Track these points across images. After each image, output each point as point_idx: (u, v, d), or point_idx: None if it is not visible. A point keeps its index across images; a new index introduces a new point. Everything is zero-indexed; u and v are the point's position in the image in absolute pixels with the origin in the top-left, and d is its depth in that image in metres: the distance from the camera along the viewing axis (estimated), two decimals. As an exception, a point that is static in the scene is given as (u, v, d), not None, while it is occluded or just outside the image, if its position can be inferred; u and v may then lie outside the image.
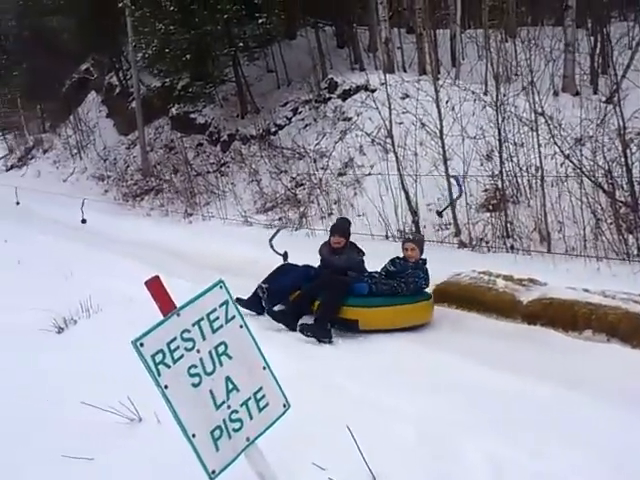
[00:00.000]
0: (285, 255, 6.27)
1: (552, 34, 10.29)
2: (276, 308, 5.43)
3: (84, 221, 13.56)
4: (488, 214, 7.37)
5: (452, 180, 7.20)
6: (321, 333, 4.85)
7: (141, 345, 2.08)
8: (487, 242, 6.98)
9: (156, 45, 14.14)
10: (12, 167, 30.34)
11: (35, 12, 26.14)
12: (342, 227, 6.02)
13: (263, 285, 5.49)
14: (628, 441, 3.01)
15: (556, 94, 9.62)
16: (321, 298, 5.10)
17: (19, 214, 15.80)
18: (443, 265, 6.11)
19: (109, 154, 20.15)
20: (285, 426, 2.50)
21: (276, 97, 14.14)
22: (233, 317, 2.39)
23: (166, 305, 2.21)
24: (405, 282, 5.23)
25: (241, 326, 2.41)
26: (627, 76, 7.86)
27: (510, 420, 3.24)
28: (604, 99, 7.52)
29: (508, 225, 6.90)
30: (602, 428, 3.13)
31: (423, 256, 5.47)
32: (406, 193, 7.89)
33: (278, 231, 7.11)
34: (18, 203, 19.02)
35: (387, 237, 8.09)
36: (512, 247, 6.67)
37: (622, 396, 3.55)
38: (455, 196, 7.28)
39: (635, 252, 5.66)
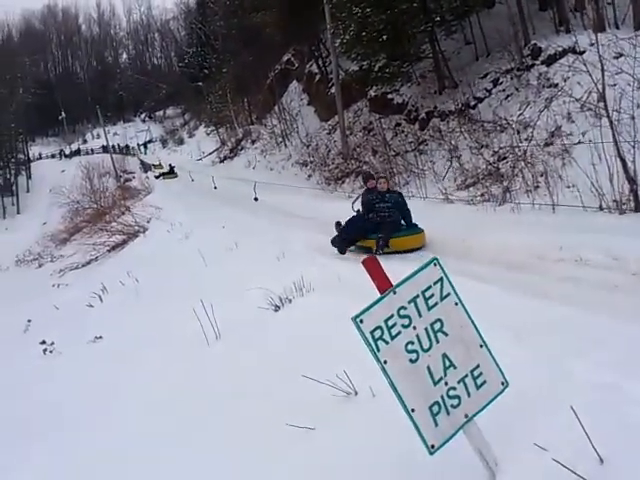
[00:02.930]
0: (358, 212, 8.75)
1: None
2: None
3: (256, 199, 16.91)
4: None
5: None
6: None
7: (361, 322, 2.21)
8: None
9: (353, 29, 14.74)
10: (225, 158, 33.57)
11: (241, 10, 28.44)
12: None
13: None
14: None
15: None
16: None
17: (236, 202, 17.52)
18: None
19: (311, 140, 21.39)
20: (503, 404, 2.51)
21: (475, 69, 13.98)
22: (448, 294, 2.43)
23: (383, 283, 2.31)
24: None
25: (456, 303, 2.44)
26: None
27: None
28: None
29: None
30: None
31: None
32: (622, 161, 7.45)
33: (358, 197, 9.21)
34: (215, 187, 22.46)
35: (601, 208, 7.69)
36: None
37: None
38: None
39: None
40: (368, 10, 13.85)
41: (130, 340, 6.67)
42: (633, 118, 7.82)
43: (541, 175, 9.50)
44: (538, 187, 9.37)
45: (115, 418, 4.58)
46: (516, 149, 10.49)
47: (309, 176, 19.38)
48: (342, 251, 8.29)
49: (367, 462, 2.88)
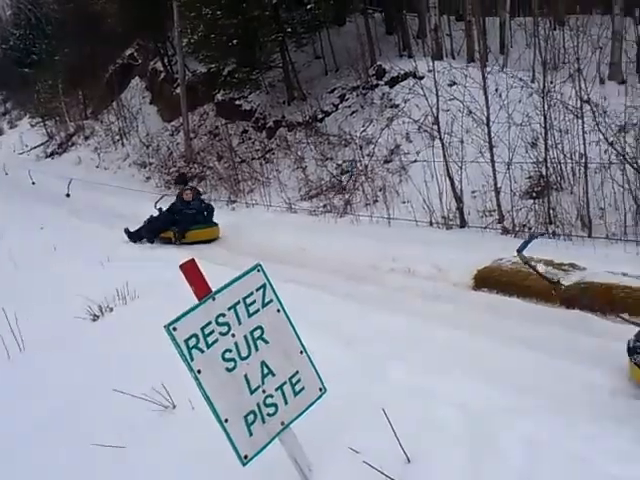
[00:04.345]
0: (160, 210, 10.39)
1: (600, 22, 10.71)
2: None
3: (68, 195, 17.39)
4: (531, 201, 7.78)
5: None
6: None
7: (174, 329, 2.19)
8: (530, 228, 7.38)
9: (202, 30, 14.78)
10: (53, 154, 31.69)
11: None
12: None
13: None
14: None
15: (602, 82, 10.11)
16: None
17: (57, 202, 16.72)
18: (487, 251, 6.58)
19: (152, 141, 20.91)
20: (322, 409, 2.64)
21: (323, 83, 14.67)
22: (270, 301, 2.48)
23: (201, 289, 2.32)
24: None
25: (278, 310, 2.50)
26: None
27: (549, 402, 3.41)
28: (650, 87, 7.85)
29: (551, 211, 7.32)
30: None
31: None
32: (451, 180, 8.32)
33: (161, 197, 11.59)
34: (34, 183, 21.60)
35: (431, 224, 8.54)
36: (554, 233, 7.08)
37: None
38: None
39: (675, 238, 6.04)
40: (218, 13, 13.96)
41: None
42: (462, 142, 8.81)
43: (380, 190, 10.27)
44: (377, 201, 10.14)
45: None
46: (358, 163, 11.26)
47: (148, 178, 18.96)
48: (148, 239, 10.08)
49: (183, 476, 2.91)
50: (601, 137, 7.18)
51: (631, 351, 3.76)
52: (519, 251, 5.25)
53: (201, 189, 15.39)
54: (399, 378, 3.65)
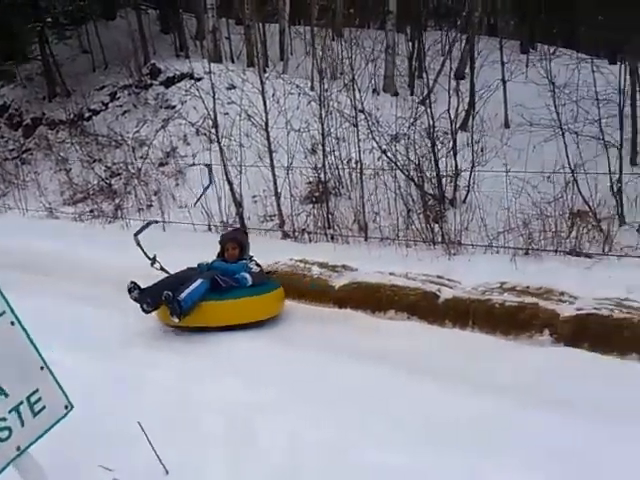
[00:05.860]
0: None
1: (375, 36, 11.13)
2: None
3: None
4: (311, 205, 7.69)
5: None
6: None
7: None
8: (309, 232, 7.28)
9: (-60, 9, 12.66)
10: None
11: None
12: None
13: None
14: (415, 404, 3.42)
15: (377, 93, 10.52)
16: None
17: None
18: (266, 255, 6.25)
19: None
20: (70, 427, 2.40)
21: (91, 80, 13.43)
22: (3, 313, 2.20)
23: None
24: None
25: (12, 323, 2.23)
26: (438, 80, 8.69)
27: (314, 398, 3.47)
28: (418, 100, 8.18)
29: (329, 216, 7.28)
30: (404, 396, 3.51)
31: None
32: (230, 184, 7.96)
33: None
34: None
35: (210, 229, 8.10)
36: (332, 237, 7.04)
37: (418, 366, 4.02)
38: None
39: (439, 239, 6.31)
40: (-39, -9, 12.08)
41: None
42: (241, 145, 8.45)
43: (155, 194, 9.54)
44: (151, 206, 9.42)
45: None
46: (130, 166, 10.34)
47: None
48: None
49: None
50: (375, 145, 7.26)
51: (129, 291, 4.76)
52: (135, 235, 5.74)
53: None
54: (156, 386, 3.54)
